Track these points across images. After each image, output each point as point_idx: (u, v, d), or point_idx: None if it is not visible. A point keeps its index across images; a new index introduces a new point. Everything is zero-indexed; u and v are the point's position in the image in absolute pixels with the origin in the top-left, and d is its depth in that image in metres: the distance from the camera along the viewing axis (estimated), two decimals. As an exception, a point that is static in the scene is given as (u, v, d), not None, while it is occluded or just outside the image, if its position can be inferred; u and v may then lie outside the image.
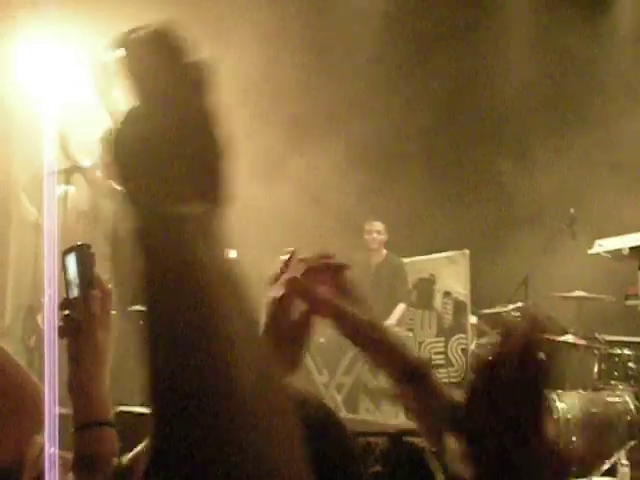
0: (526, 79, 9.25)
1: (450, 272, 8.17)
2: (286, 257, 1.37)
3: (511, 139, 9.32)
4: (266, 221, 7.77)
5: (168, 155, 0.80)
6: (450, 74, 9.02)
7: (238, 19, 7.96)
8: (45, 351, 1.41)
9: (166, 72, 0.83)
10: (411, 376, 1.32)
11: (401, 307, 7.85)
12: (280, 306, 1.33)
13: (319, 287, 1.31)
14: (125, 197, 0.81)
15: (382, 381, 1.31)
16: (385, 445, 3.67)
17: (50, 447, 1.32)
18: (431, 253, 8.32)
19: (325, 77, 8.76)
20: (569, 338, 6.53)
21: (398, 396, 1.33)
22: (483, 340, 8.02)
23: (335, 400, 7.59)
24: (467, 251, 8.06)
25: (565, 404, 5.81)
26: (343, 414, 7.51)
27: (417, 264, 8.28)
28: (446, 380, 8.05)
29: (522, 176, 8.90)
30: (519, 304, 7.41)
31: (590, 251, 5.42)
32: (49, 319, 1.43)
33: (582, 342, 6.50)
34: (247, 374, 0.78)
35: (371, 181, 8.52)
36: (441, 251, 8.28)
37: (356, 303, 1.32)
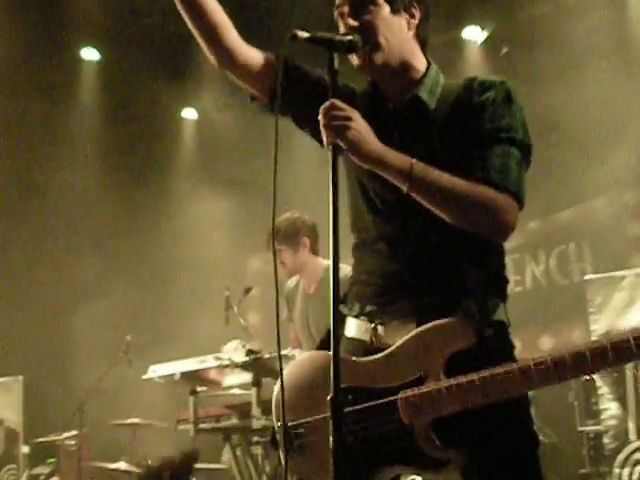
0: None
1: (2, 399, 7.88)
2: None
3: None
4: None
5: None
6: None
7: None
8: None
9: None
10: None
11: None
12: None
13: None
14: None
15: None
16: None
17: None
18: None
19: None
20: (122, 465, 6.55)
21: None
22: (36, 470, 7.78)
23: None
24: (21, 377, 7.84)
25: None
26: None
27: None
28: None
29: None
30: (73, 432, 7.31)
31: (144, 376, 5.51)
32: None
33: (135, 469, 6.53)
34: None
35: None
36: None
37: None
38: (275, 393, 2.45)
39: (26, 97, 8.99)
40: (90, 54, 9.37)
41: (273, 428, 2.48)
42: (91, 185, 9.33)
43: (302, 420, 2.35)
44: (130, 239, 9.13)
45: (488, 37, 8.43)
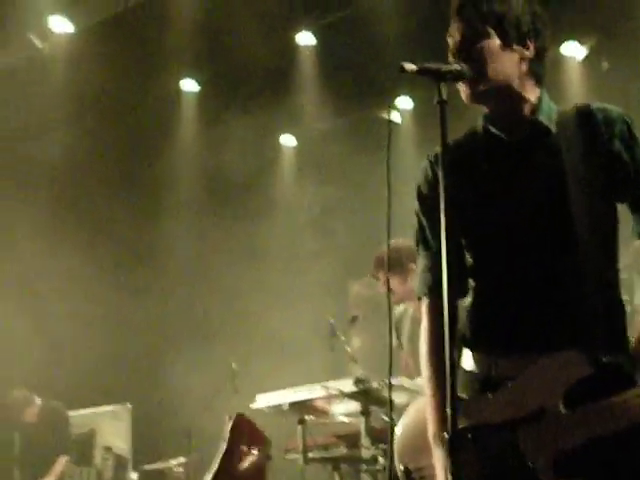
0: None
1: (112, 426, 8.00)
2: None
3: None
4: None
5: None
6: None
7: None
8: None
9: None
10: None
11: (62, 461, 7.60)
12: None
13: None
14: None
15: None
16: None
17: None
18: (92, 406, 8.11)
19: None
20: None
21: None
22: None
23: None
24: (129, 404, 7.95)
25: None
26: None
27: (77, 418, 8.03)
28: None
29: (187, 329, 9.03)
30: (181, 459, 7.39)
31: (252, 405, 5.54)
32: None
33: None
34: None
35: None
36: (102, 404, 8.10)
37: None
38: (397, 436, 2.42)
39: (126, 128, 9.21)
40: (189, 85, 9.54)
41: (395, 474, 2.45)
42: (194, 225, 9.49)
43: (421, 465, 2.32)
44: (234, 268, 9.22)
45: (588, 53, 8.27)
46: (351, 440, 5.10)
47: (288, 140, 10.37)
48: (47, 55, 8.65)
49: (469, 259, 2.43)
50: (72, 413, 7.95)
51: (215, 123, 9.25)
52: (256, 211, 9.66)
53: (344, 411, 5.32)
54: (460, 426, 1.90)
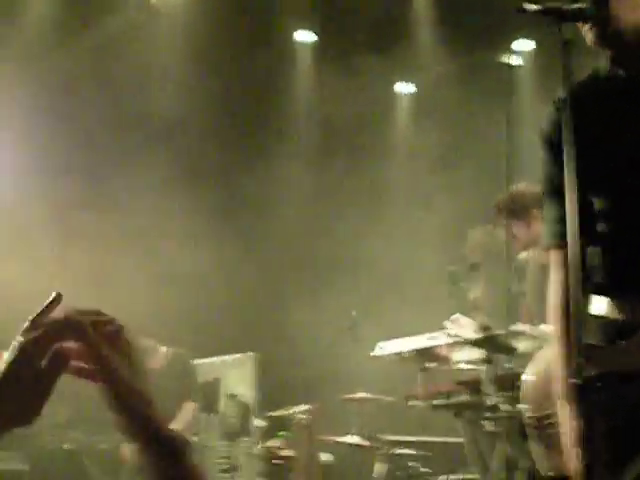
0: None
1: (236, 375, 8.14)
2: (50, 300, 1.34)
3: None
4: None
5: None
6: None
7: None
8: None
9: None
10: (166, 451, 1.32)
11: (189, 407, 7.79)
12: (41, 349, 1.29)
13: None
14: None
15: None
16: None
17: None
18: (217, 355, 8.27)
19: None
20: (352, 439, 6.65)
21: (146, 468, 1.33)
22: (269, 443, 8.02)
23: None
24: (253, 353, 8.07)
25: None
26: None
27: (202, 367, 8.21)
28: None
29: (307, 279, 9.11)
30: (305, 406, 7.49)
31: (372, 353, 5.56)
32: None
33: (365, 442, 6.62)
34: None
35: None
36: (227, 353, 8.25)
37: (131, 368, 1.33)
38: (526, 383, 2.40)
39: (241, 83, 9.26)
40: (304, 36, 9.53)
41: (520, 419, 2.43)
42: (311, 173, 9.50)
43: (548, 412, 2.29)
44: (354, 213, 9.22)
45: None
46: (473, 387, 5.08)
47: (404, 87, 10.27)
48: (162, 12, 8.76)
49: (599, 203, 2.37)
50: (197, 362, 8.14)
51: (330, 73, 9.22)
52: (374, 157, 9.63)
53: (466, 358, 5.30)
54: (590, 374, 1.86)
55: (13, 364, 1.31)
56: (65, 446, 7.38)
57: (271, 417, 8.07)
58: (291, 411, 7.70)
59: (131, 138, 8.93)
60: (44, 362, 1.31)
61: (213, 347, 8.22)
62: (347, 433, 6.82)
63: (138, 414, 1.33)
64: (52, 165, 8.61)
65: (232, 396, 8.14)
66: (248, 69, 9.27)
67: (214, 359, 8.26)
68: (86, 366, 1.34)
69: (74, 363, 1.35)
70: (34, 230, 8.01)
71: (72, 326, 1.32)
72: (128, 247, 8.38)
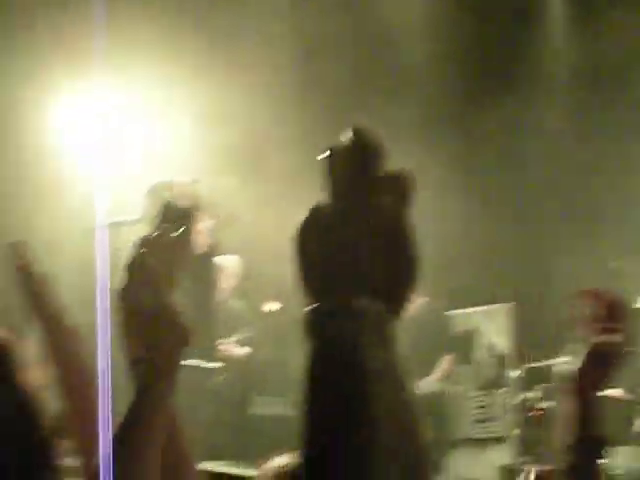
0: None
1: (493, 325, 8.11)
2: None
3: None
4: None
5: (360, 255, 0.85)
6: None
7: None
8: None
9: (370, 179, 0.91)
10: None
11: (447, 359, 7.86)
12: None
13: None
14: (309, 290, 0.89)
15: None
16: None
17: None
18: (474, 305, 8.26)
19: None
20: (614, 392, 6.47)
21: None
22: (527, 394, 7.94)
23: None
24: (510, 304, 8.00)
25: (614, 460, 5.73)
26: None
27: (459, 317, 8.23)
28: (487, 435, 7.97)
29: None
30: (563, 358, 7.34)
31: (636, 305, 5.36)
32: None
33: (627, 396, 6.44)
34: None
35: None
36: (484, 304, 8.22)
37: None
38: None
39: (488, 28, 9.11)
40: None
41: None
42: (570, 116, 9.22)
43: None
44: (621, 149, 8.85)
45: None
46: None
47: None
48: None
49: None
50: (454, 313, 8.17)
51: (584, 18, 8.90)
52: (630, 108, 9.20)
53: None
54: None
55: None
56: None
57: (528, 368, 7.99)
58: (549, 362, 7.57)
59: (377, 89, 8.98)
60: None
61: (469, 298, 8.21)
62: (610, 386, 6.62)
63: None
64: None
65: (489, 347, 8.12)
66: (499, 16, 9.08)
67: (470, 310, 8.26)
68: None
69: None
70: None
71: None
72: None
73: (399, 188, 0.95)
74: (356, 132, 0.96)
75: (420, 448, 0.87)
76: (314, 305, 0.87)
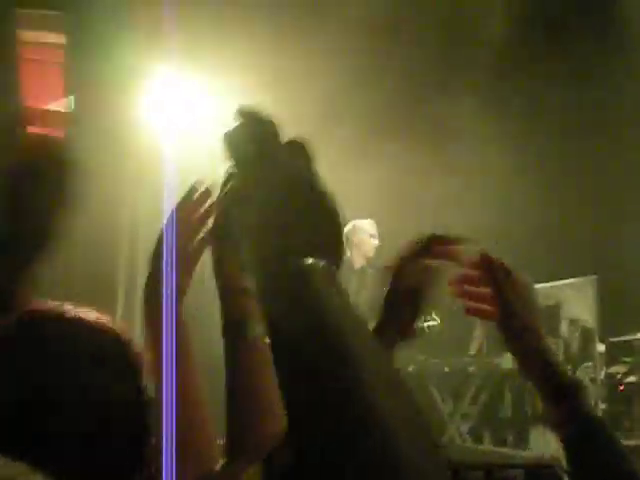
0: None
1: (577, 299, 8.01)
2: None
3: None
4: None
5: (292, 217, 0.91)
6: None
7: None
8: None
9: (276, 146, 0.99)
10: (562, 393, 1.31)
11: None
12: (431, 275, 1.40)
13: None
14: (255, 251, 0.90)
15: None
16: (522, 477, 3.63)
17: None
18: (557, 279, 8.16)
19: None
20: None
21: (548, 415, 1.34)
22: (612, 369, 7.84)
23: (459, 430, 7.53)
24: (594, 277, 7.88)
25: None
26: (468, 444, 7.43)
27: (542, 291, 8.14)
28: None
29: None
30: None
31: None
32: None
33: None
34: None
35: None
36: (567, 277, 8.12)
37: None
38: None
39: None
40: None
41: None
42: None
43: None
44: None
45: None
46: None
47: None
48: None
49: None
50: (538, 286, 8.08)
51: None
52: None
53: None
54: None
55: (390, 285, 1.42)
56: (410, 369, 7.64)
57: (614, 342, 7.88)
58: (636, 336, 7.48)
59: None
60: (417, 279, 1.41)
61: (554, 271, 8.10)
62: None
63: (532, 350, 1.35)
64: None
65: (573, 321, 8.04)
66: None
67: (555, 283, 8.16)
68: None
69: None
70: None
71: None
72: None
73: (303, 152, 1.01)
74: (247, 111, 1.04)
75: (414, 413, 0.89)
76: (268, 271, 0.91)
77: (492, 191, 8.33)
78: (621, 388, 7.70)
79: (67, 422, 1.17)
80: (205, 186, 1.39)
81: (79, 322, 1.27)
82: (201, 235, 1.37)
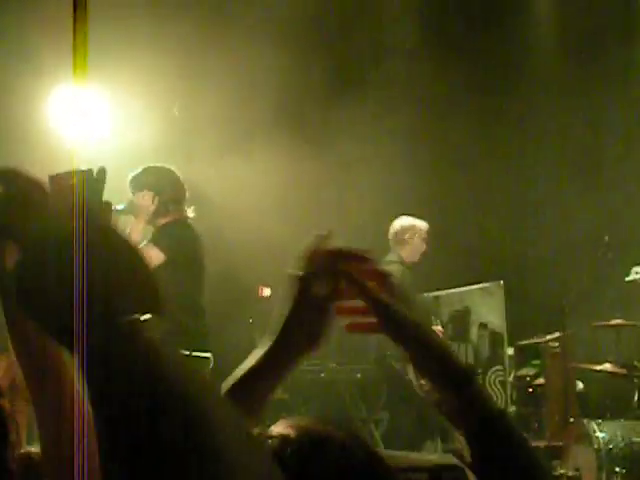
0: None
1: (486, 304, 8.10)
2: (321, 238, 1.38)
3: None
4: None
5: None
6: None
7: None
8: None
9: None
10: (456, 382, 1.31)
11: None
12: (318, 285, 1.35)
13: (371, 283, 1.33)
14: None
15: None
16: (425, 481, 3.64)
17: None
18: (465, 285, 8.24)
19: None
20: (608, 367, 6.45)
21: (439, 403, 1.32)
22: (521, 371, 7.95)
23: (373, 435, 7.52)
24: (502, 282, 7.99)
25: (606, 434, 5.72)
26: (381, 449, 7.43)
27: (451, 296, 8.22)
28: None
29: (555, 204, 8.85)
30: (557, 334, 7.32)
31: (627, 278, 5.35)
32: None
33: (621, 371, 6.41)
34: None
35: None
36: (475, 282, 8.21)
37: (404, 303, 1.33)
38: None
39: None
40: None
41: None
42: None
43: None
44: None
45: None
46: None
47: None
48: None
49: None
50: (447, 292, 8.16)
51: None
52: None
53: None
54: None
55: (296, 295, 1.38)
56: (322, 375, 7.63)
57: (522, 345, 7.99)
58: (543, 339, 7.58)
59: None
60: (324, 292, 1.38)
61: (462, 276, 8.18)
62: (602, 362, 6.60)
63: (424, 344, 1.34)
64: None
65: (482, 325, 8.12)
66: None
67: (464, 288, 8.24)
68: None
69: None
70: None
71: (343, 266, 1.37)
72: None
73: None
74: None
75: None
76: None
77: (397, 196, 8.36)
78: (530, 390, 7.80)
79: None
80: None
81: None
82: None
